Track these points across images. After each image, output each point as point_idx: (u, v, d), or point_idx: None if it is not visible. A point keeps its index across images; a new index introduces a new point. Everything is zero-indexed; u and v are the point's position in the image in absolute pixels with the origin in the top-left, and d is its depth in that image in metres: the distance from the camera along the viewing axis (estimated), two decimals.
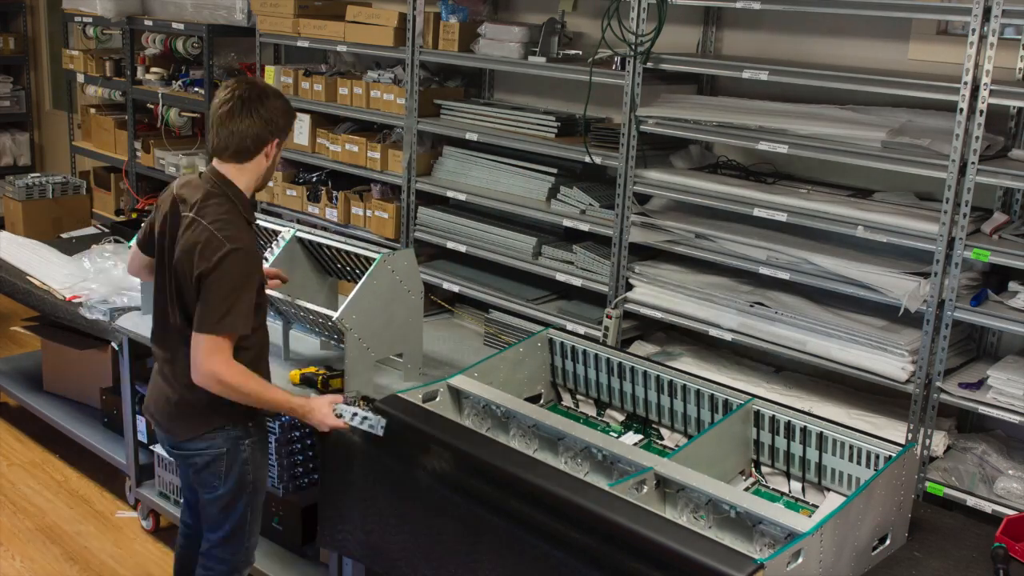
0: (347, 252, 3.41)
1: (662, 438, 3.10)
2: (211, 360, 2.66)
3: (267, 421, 3.13)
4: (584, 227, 3.97)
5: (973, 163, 3.01)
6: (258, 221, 3.66)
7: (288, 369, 3.49)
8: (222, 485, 2.88)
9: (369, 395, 3.02)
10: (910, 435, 3.23)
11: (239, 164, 2.76)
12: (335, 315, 3.16)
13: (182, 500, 3.27)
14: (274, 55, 5.55)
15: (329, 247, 3.47)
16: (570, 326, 3.92)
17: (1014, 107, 3.30)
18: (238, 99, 2.71)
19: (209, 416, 2.82)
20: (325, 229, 4.44)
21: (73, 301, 4.18)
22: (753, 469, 2.90)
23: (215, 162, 2.78)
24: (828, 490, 2.78)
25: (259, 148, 2.75)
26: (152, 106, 6.29)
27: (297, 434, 3.70)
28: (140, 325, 3.88)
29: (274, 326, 3.67)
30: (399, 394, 2.90)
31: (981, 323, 3.13)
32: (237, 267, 2.66)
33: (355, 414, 2.84)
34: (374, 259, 3.23)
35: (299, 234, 3.53)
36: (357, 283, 3.21)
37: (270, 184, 5.23)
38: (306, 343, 3.70)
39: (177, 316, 2.78)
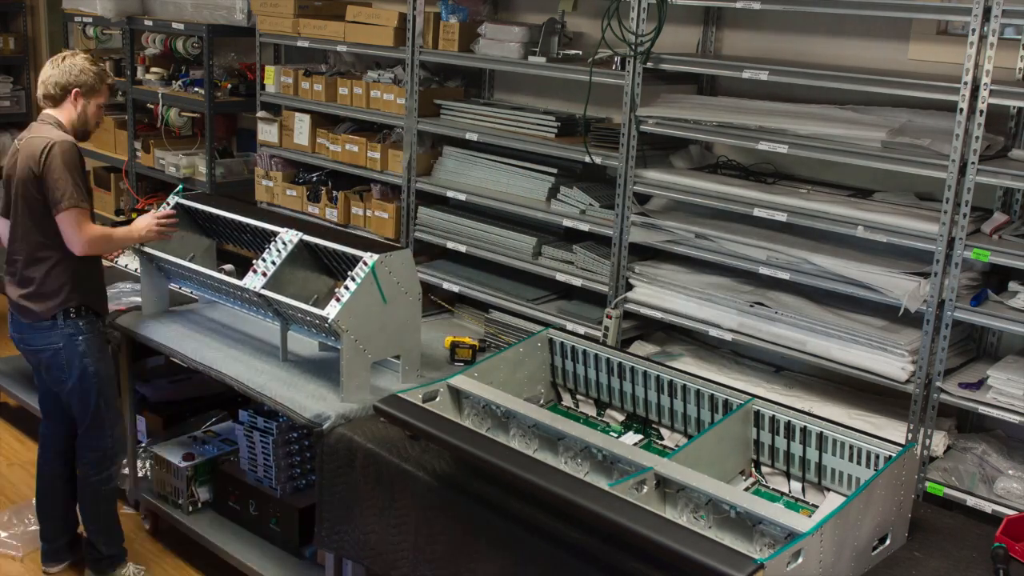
0: (345, 253, 3.41)
1: (662, 438, 3.10)
2: (80, 233, 3.34)
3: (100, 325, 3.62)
4: (584, 227, 3.97)
5: (973, 163, 3.01)
6: (259, 224, 3.67)
7: (286, 371, 3.50)
8: (69, 378, 3.47)
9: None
10: (910, 435, 3.23)
11: (55, 107, 3.48)
12: (331, 316, 3.16)
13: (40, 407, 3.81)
14: (274, 55, 5.55)
15: (327, 248, 3.47)
16: (570, 326, 3.92)
17: (1014, 107, 3.30)
18: (49, 60, 3.51)
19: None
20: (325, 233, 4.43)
21: None
22: (753, 469, 2.90)
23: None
24: (828, 490, 2.78)
25: (64, 95, 3.46)
26: (152, 106, 6.28)
27: (295, 435, 3.71)
28: (139, 325, 3.89)
29: (272, 327, 3.68)
30: (399, 394, 2.90)
31: (981, 323, 3.13)
32: (63, 156, 3.31)
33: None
34: (371, 260, 3.23)
35: (304, 238, 3.52)
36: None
37: (268, 184, 5.24)
38: (304, 343, 3.70)
39: (26, 221, 3.40)
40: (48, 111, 3.50)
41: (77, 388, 3.50)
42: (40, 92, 3.49)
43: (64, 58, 3.50)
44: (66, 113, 3.49)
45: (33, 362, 3.61)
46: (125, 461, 4.07)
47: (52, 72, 3.47)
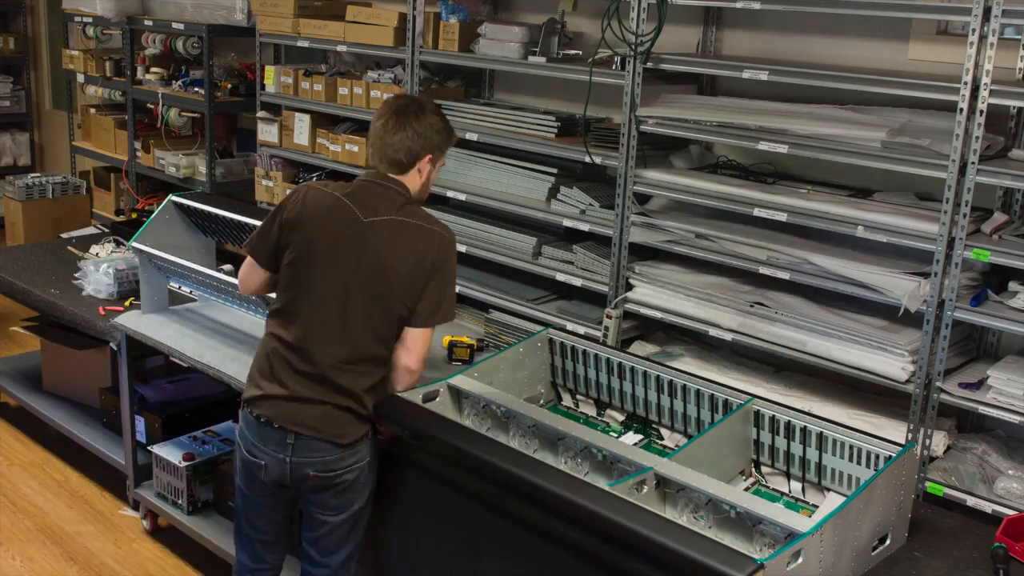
0: None
1: (662, 438, 3.10)
2: (424, 350, 2.81)
3: None
4: (584, 227, 3.97)
5: (973, 163, 3.01)
6: (256, 223, 3.66)
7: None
8: (359, 500, 2.84)
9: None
10: (910, 435, 3.23)
11: (399, 175, 2.82)
12: None
13: (259, 537, 2.98)
14: (274, 55, 5.55)
15: None
16: (570, 326, 3.92)
17: (1014, 107, 3.30)
18: (393, 113, 2.79)
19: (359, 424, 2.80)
20: None
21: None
22: (753, 469, 2.90)
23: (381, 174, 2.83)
24: (828, 490, 2.78)
25: (413, 162, 2.81)
26: (152, 106, 6.29)
27: None
28: (139, 324, 3.89)
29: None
30: (399, 394, 2.90)
31: (981, 323, 3.13)
32: (454, 257, 2.84)
33: None
34: None
35: None
36: None
37: (268, 184, 5.24)
38: None
39: (372, 321, 2.74)
40: (393, 178, 2.81)
41: (351, 520, 2.86)
42: (387, 155, 2.78)
43: (417, 116, 2.78)
44: (411, 181, 2.84)
45: (313, 484, 2.80)
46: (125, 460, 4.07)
47: (402, 135, 2.76)
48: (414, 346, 2.80)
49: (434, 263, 2.75)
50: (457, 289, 4.42)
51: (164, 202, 3.92)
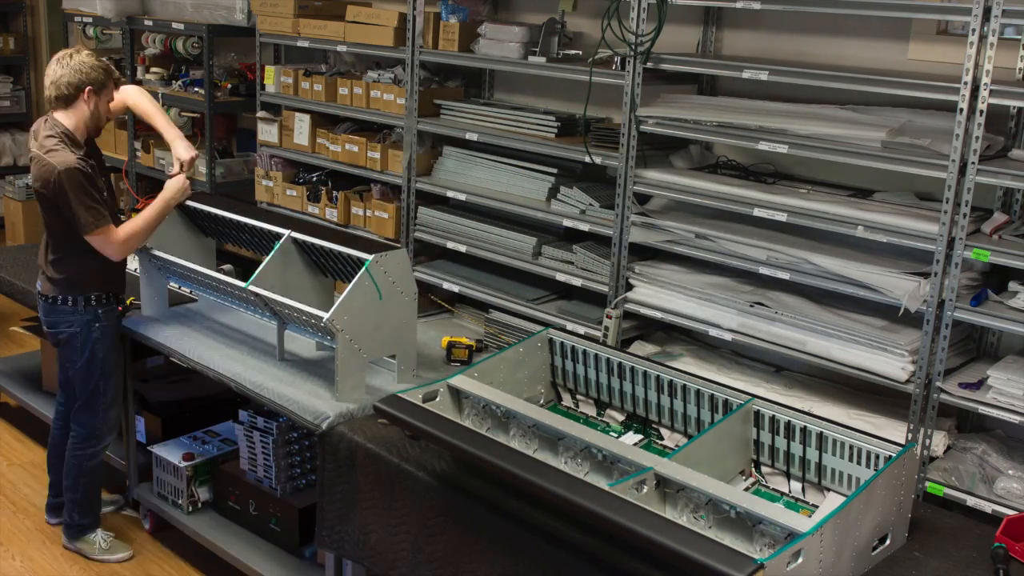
0: (341, 253, 3.41)
1: (662, 438, 3.10)
2: (110, 246, 3.55)
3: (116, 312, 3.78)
4: (584, 227, 3.97)
5: (973, 163, 3.01)
6: (259, 224, 3.67)
7: (282, 370, 3.50)
8: (79, 359, 3.67)
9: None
10: (910, 435, 3.23)
11: (65, 108, 3.52)
12: (325, 316, 3.16)
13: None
14: (274, 55, 5.54)
15: (324, 248, 3.47)
16: (570, 326, 3.92)
17: (1014, 107, 3.30)
18: (55, 59, 3.51)
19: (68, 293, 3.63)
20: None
21: None
22: (753, 469, 2.90)
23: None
24: (828, 490, 2.78)
25: (77, 94, 3.49)
26: None
27: (295, 435, 3.71)
28: (139, 324, 3.89)
29: (269, 326, 3.69)
30: (399, 394, 2.90)
31: (981, 323, 3.13)
32: (70, 184, 3.40)
33: None
34: (366, 260, 3.23)
35: (294, 235, 3.53)
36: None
37: (268, 184, 5.24)
38: (301, 343, 3.70)
39: (46, 217, 3.56)
40: (57, 115, 3.52)
41: (83, 370, 3.70)
42: (51, 93, 3.49)
43: (71, 56, 3.50)
44: (78, 113, 3.52)
45: (51, 340, 3.79)
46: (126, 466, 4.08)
47: (62, 72, 3.47)
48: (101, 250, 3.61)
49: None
50: (457, 289, 4.46)
51: None
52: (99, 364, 3.71)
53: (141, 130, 6.32)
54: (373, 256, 3.23)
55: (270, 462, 3.70)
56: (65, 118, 3.53)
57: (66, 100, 3.50)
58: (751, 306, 3.55)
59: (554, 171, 4.22)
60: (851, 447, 2.70)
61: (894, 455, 2.59)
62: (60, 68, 3.48)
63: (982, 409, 3.09)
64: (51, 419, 4.11)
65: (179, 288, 4.14)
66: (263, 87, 5.32)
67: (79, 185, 3.42)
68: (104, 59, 3.59)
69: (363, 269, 3.22)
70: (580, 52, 4.22)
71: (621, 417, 3.22)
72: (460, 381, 3.06)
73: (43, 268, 3.68)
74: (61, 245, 3.61)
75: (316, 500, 3.27)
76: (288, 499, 3.67)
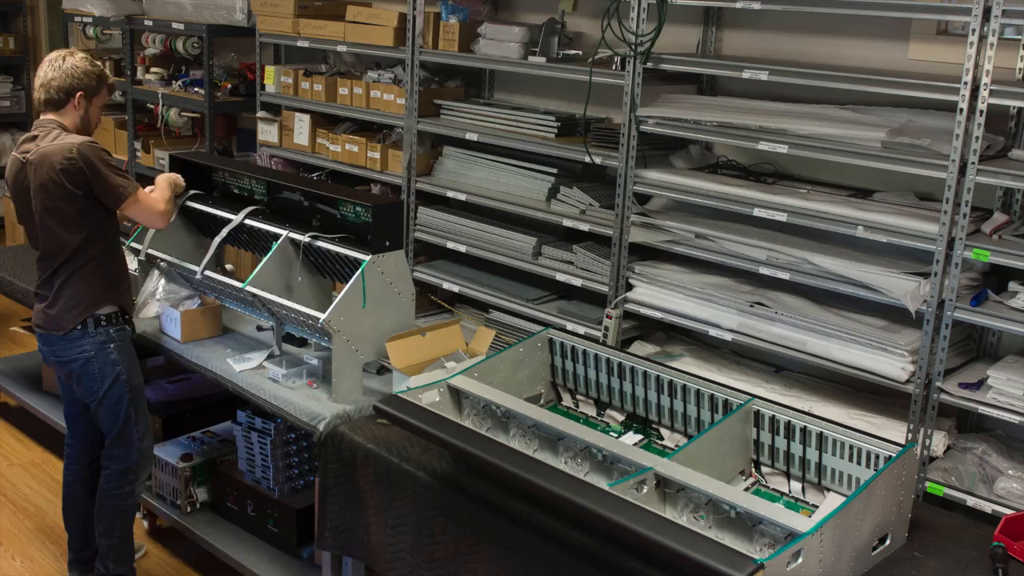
0: (339, 254, 3.41)
1: (662, 438, 3.10)
2: (151, 210, 3.44)
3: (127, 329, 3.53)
4: (584, 227, 3.97)
5: (973, 163, 3.01)
6: (258, 224, 3.67)
7: (281, 369, 3.49)
8: (100, 387, 3.37)
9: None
10: (910, 435, 3.23)
11: (56, 111, 3.40)
12: (322, 317, 3.16)
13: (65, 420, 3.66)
14: (274, 55, 5.55)
15: (323, 249, 3.46)
16: (570, 326, 3.92)
17: (1014, 107, 3.30)
18: (47, 61, 3.40)
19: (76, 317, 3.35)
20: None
21: None
22: (753, 469, 2.89)
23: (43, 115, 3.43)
24: (828, 490, 2.78)
25: (67, 99, 3.38)
26: (152, 106, 6.29)
27: (293, 436, 3.71)
28: (139, 324, 3.88)
29: (267, 326, 3.67)
30: (399, 394, 2.90)
31: (981, 323, 3.13)
32: (96, 156, 3.26)
33: None
34: (363, 261, 3.23)
35: (292, 236, 3.52)
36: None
37: None
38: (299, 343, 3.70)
39: (56, 229, 3.28)
40: (50, 116, 3.41)
41: (108, 398, 3.39)
42: (41, 96, 3.40)
43: (64, 58, 3.40)
44: (69, 118, 3.41)
45: (63, 374, 3.48)
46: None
47: (53, 75, 3.37)
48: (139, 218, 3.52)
49: None
50: (457, 289, 4.46)
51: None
52: (124, 388, 3.40)
53: (141, 130, 6.33)
54: (370, 258, 3.23)
55: (268, 463, 3.70)
56: (59, 118, 3.43)
57: (56, 104, 3.39)
58: (751, 306, 3.55)
59: (554, 171, 4.23)
60: (851, 447, 2.70)
61: (894, 455, 2.59)
62: (51, 71, 3.37)
63: (982, 409, 3.09)
64: (51, 422, 4.01)
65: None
66: (263, 87, 5.32)
67: (101, 156, 3.28)
68: (98, 63, 3.50)
69: (358, 271, 3.22)
70: (580, 52, 4.22)
71: (621, 417, 3.22)
72: (460, 381, 3.06)
73: (41, 305, 3.40)
74: (59, 267, 3.33)
75: (315, 501, 3.27)
76: (286, 500, 3.67)
